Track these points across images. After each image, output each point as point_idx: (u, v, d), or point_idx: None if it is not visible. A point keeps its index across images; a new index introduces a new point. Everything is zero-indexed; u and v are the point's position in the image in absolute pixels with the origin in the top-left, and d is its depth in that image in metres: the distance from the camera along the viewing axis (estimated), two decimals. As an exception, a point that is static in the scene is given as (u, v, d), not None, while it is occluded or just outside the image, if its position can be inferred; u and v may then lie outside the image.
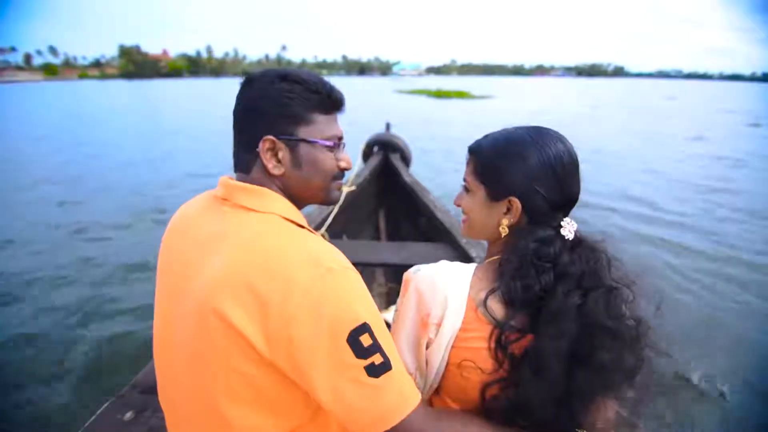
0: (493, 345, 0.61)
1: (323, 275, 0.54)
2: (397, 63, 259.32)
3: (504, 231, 0.66)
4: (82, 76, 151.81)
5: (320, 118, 0.67)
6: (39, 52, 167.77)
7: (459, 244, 2.36)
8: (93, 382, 2.64)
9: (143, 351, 2.79)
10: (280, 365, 0.55)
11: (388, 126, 5.13)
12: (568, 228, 0.64)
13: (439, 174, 8.05)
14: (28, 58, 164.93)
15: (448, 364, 0.64)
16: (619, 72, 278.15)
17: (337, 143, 0.69)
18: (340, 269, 0.56)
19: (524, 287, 0.61)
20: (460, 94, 32.15)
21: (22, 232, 5.35)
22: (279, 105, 0.64)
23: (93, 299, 3.74)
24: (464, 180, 0.72)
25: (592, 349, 0.58)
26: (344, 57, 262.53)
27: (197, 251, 0.63)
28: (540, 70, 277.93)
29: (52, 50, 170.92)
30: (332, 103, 0.68)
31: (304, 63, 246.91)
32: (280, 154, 0.65)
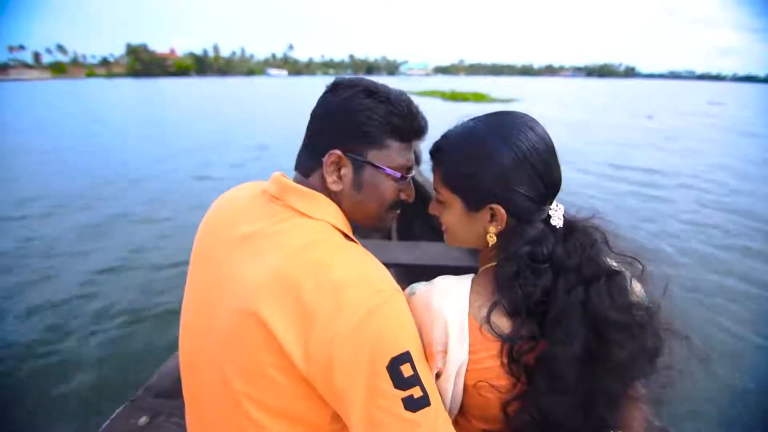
0: (505, 360, 0.57)
1: (373, 296, 0.52)
2: (405, 62, 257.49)
3: (492, 240, 0.62)
4: (90, 74, 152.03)
5: (395, 145, 0.63)
6: (48, 51, 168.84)
7: None
8: (107, 384, 2.55)
9: (154, 352, 2.71)
10: (314, 383, 0.52)
11: None
12: (557, 215, 0.61)
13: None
14: (37, 56, 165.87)
15: (465, 386, 0.60)
16: (630, 72, 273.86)
17: (405, 175, 0.65)
18: (390, 291, 0.54)
19: (525, 295, 0.57)
20: (478, 97, 29.51)
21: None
22: (356, 121, 0.61)
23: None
24: (434, 189, 0.66)
25: (605, 346, 0.55)
26: (351, 56, 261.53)
27: (242, 248, 0.60)
28: (549, 70, 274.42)
29: (61, 48, 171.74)
30: (413, 132, 0.65)
31: (311, 62, 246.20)
32: (343, 171, 0.62)
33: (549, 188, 0.60)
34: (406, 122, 0.63)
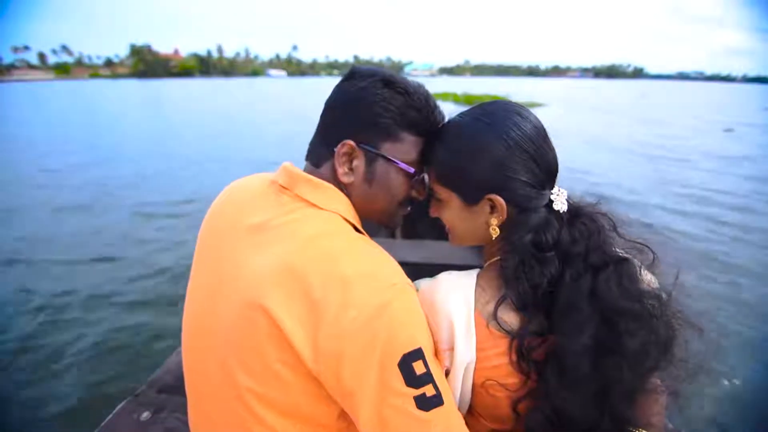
0: (514, 357, 0.55)
1: (384, 290, 0.50)
2: (410, 63, 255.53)
3: (495, 232, 0.60)
4: (94, 75, 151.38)
5: (410, 139, 0.61)
6: (54, 51, 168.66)
7: None
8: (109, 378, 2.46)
9: (160, 346, 2.67)
10: (322, 379, 0.50)
11: None
12: (560, 199, 0.59)
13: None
14: (42, 57, 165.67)
15: (473, 385, 0.58)
16: (638, 73, 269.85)
17: (419, 170, 0.63)
18: (402, 286, 0.52)
19: (532, 287, 0.55)
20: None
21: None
22: (371, 112, 0.59)
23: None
24: (430, 188, 0.65)
25: (616, 336, 0.53)
26: (355, 57, 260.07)
27: (249, 239, 0.58)
28: (556, 71, 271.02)
29: (66, 49, 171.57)
30: (430, 126, 0.62)
31: (315, 63, 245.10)
32: (355, 163, 0.60)
33: (545, 172, 0.58)
34: (423, 116, 0.60)
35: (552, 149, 0.59)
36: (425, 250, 2.13)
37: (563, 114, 20.67)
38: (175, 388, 1.35)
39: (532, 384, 0.55)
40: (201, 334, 0.59)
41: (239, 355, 0.52)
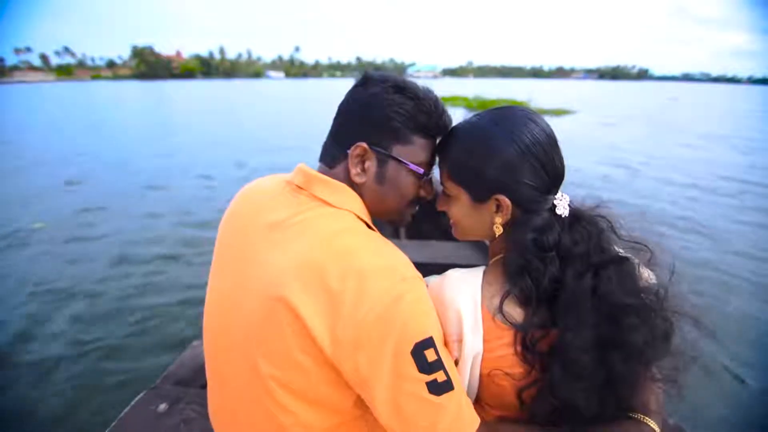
0: (519, 349, 0.58)
1: (397, 283, 0.53)
2: (413, 64, 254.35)
3: (498, 230, 0.64)
4: (96, 77, 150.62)
5: (420, 141, 0.65)
6: (57, 53, 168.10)
7: (483, 242, 2.41)
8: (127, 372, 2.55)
9: (172, 339, 2.75)
10: (340, 367, 0.53)
11: None
12: (562, 204, 0.62)
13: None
14: (45, 58, 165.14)
15: (480, 375, 0.62)
16: (643, 75, 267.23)
17: (427, 171, 0.67)
18: (413, 279, 0.56)
19: (534, 284, 0.58)
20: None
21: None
22: (383, 116, 0.62)
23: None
24: (441, 184, 0.69)
25: (619, 331, 0.56)
26: (358, 58, 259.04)
27: (268, 236, 0.60)
28: (560, 73, 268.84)
29: (68, 51, 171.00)
30: (438, 129, 0.66)
31: (317, 64, 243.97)
32: (367, 164, 0.64)
33: (552, 178, 0.62)
34: (432, 119, 0.64)
35: (560, 157, 0.62)
36: (430, 250, 2.23)
37: (607, 127, 16.19)
38: (191, 380, 1.37)
39: (536, 374, 0.58)
40: (224, 328, 0.62)
41: (263, 346, 0.55)
